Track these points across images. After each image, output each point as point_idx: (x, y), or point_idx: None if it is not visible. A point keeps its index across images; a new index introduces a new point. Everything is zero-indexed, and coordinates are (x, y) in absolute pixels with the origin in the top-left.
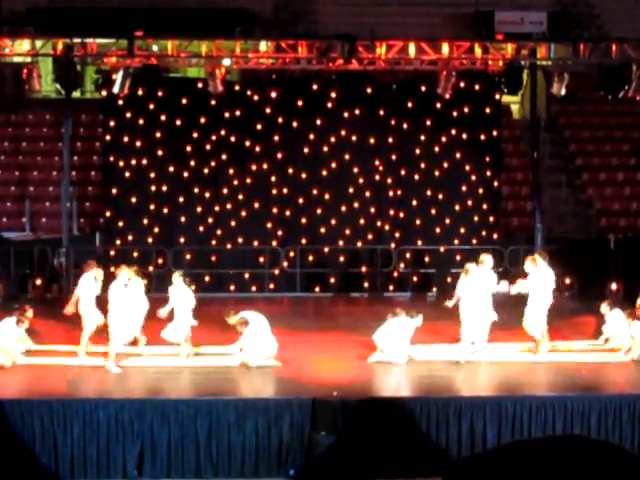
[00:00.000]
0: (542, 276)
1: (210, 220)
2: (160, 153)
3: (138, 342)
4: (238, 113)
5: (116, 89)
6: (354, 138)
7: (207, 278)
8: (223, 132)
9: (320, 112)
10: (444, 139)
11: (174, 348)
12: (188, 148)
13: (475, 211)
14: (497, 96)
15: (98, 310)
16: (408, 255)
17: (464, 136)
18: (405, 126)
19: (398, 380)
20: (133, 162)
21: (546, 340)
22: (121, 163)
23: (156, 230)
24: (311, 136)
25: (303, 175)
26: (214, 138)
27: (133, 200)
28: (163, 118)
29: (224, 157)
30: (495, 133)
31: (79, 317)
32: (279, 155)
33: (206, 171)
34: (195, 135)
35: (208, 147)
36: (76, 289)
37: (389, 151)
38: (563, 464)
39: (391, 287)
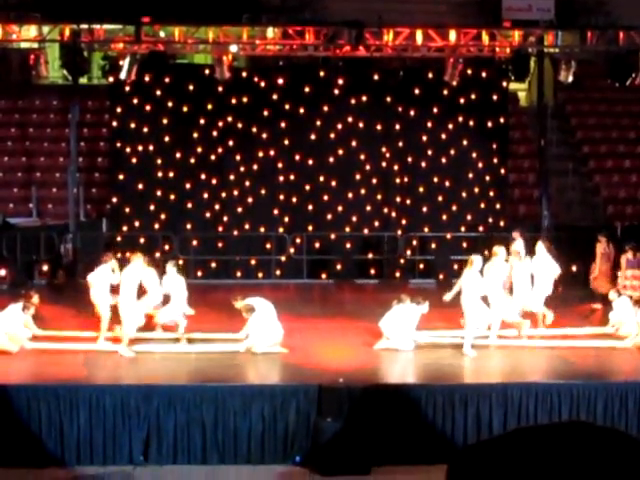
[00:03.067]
0: (542, 264)
1: (217, 206)
2: (167, 139)
3: (155, 327)
4: (245, 99)
5: (123, 75)
6: (361, 125)
7: (213, 264)
8: (230, 118)
9: (327, 99)
10: (451, 126)
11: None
12: (195, 134)
13: (482, 198)
14: (504, 83)
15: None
16: (415, 242)
17: (471, 123)
18: (412, 113)
19: (404, 367)
20: (140, 148)
21: (549, 320)
22: (128, 149)
23: (163, 216)
24: (318, 123)
25: (310, 162)
26: (221, 124)
27: (140, 186)
28: (170, 104)
29: (231, 143)
30: (502, 120)
31: (90, 304)
32: (286, 142)
33: (213, 157)
34: (202, 121)
35: (215, 133)
36: (90, 278)
37: (396, 138)
38: (569, 450)
39: (397, 274)
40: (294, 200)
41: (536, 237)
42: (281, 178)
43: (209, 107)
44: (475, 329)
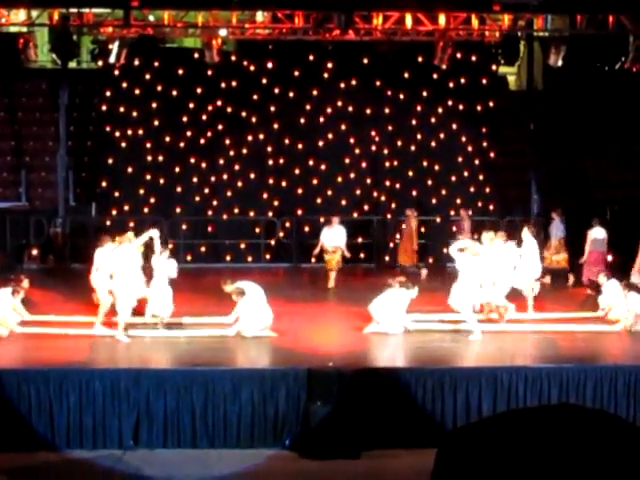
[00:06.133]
0: (529, 249)
1: (206, 190)
2: (156, 123)
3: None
4: (234, 83)
5: (112, 59)
6: (350, 109)
7: (203, 248)
8: (219, 102)
9: (316, 82)
10: (440, 110)
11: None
12: (184, 118)
13: (471, 182)
14: (494, 67)
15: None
16: (404, 226)
17: (460, 107)
18: (401, 97)
19: (394, 351)
20: (129, 132)
21: (530, 309)
22: (117, 133)
23: (152, 200)
24: (307, 106)
25: (299, 146)
26: (210, 108)
27: (129, 170)
28: (159, 88)
29: (220, 127)
30: (492, 104)
31: (86, 290)
32: (275, 125)
33: (202, 141)
34: (191, 105)
35: (204, 117)
36: (93, 265)
37: (385, 122)
38: (559, 432)
39: (387, 257)
40: (284, 184)
41: (526, 221)
42: (270, 162)
43: (198, 91)
44: (471, 309)
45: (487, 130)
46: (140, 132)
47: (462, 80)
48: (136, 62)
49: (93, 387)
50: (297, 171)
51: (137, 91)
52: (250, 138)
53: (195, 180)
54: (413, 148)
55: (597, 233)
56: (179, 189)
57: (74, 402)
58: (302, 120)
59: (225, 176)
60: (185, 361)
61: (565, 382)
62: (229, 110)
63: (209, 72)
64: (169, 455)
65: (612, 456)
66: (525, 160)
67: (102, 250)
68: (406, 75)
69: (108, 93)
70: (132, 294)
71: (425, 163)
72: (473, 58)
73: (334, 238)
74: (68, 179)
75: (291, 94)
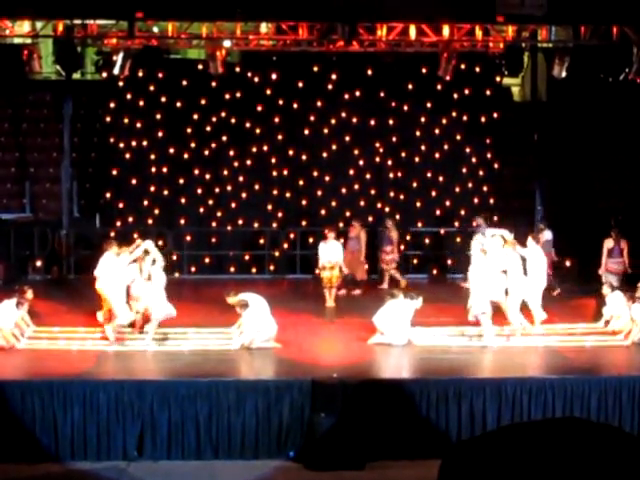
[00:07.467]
0: (534, 258)
1: (210, 202)
2: (160, 135)
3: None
4: (238, 95)
5: (116, 70)
6: (354, 120)
7: (207, 260)
8: (223, 114)
9: (320, 94)
10: (445, 121)
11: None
12: (188, 130)
13: (475, 193)
14: (498, 78)
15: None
16: (408, 237)
17: (465, 118)
18: (405, 108)
19: (398, 362)
20: (133, 143)
21: (539, 322)
22: (121, 145)
23: (156, 212)
24: (311, 118)
25: (303, 157)
26: (214, 120)
27: (133, 182)
28: (163, 99)
29: (224, 139)
30: (496, 115)
31: (91, 299)
32: (279, 137)
33: (206, 153)
34: (195, 117)
35: (208, 129)
36: (96, 269)
37: (389, 133)
38: (563, 446)
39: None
40: (288, 195)
41: (528, 231)
42: (275, 173)
43: (202, 102)
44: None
45: (491, 141)
46: (144, 143)
47: (466, 91)
48: (140, 73)
49: (97, 398)
50: (301, 182)
51: (141, 102)
52: (254, 149)
53: (199, 191)
54: (417, 159)
55: (547, 235)
56: (183, 200)
57: (78, 413)
58: (306, 131)
59: (229, 187)
60: (189, 372)
61: (569, 393)
62: (233, 121)
63: (213, 83)
64: (173, 466)
65: (617, 471)
66: (529, 171)
67: (108, 254)
68: (410, 86)
69: (112, 104)
70: (140, 303)
71: (429, 174)
72: (477, 69)
73: (330, 254)
74: (72, 190)
75: (295, 105)
